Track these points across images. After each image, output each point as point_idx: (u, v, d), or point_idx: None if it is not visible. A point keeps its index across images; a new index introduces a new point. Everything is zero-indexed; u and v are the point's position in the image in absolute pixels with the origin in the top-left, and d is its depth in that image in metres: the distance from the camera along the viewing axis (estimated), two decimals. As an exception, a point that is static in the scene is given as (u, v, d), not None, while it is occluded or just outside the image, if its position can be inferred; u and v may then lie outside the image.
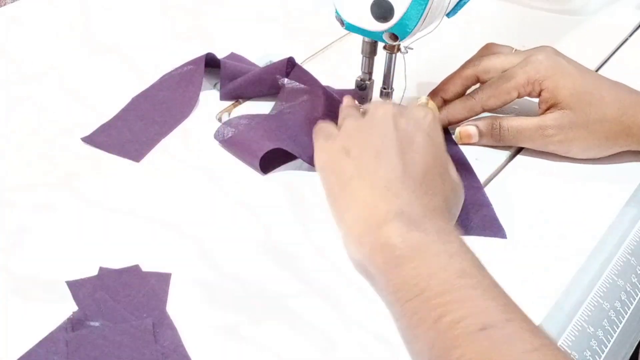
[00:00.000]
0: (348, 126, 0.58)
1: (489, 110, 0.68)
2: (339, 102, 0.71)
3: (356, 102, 0.67)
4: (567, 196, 0.64)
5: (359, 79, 0.69)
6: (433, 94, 0.71)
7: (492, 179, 0.66)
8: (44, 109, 0.73)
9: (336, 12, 0.64)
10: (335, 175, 0.56)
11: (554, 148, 0.66)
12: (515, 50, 0.70)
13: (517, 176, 0.66)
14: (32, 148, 0.68)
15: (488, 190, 0.64)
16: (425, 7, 0.60)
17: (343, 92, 0.74)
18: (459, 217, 0.59)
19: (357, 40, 0.68)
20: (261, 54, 0.82)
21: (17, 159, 0.67)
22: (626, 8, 0.94)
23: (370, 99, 0.70)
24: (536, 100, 0.67)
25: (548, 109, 0.66)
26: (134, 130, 0.70)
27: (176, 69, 0.76)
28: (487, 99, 0.67)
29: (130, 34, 0.83)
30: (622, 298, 0.55)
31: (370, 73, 0.69)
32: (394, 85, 0.70)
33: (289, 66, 0.74)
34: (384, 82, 0.70)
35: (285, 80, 0.74)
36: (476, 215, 0.61)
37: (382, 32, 0.63)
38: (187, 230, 0.59)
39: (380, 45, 0.67)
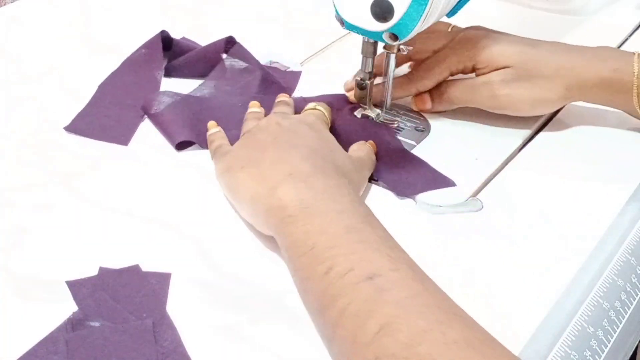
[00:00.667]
0: (239, 140, 0.64)
1: (424, 91, 0.70)
2: (278, 86, 0.74)
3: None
4: (567, 196, 0.64)
5: (359, 79, 0.69)
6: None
7: (492, 178, 0.66)
8: (44, 109, 0.73)
9: (336, 12, 0.64)
10: (228, 173, 0.60)
11: (502, 104, 0.68)
12: (452, 27, 0.72)
13: (517, 176, 0.66)
14: (32, 148, 0.68)
15: (488, 190, 0.64)
16: (425, 7, 0.60)
17: (286, 79, 0.77)
18: (405, 181, 0.64)
19: (357, 40, 0.68)
20: (261, 54, 0.82)
21: (17, 159, 0.67)
22: (626, 8, 0.94)
23: (370, 99, 0.70)
24: None
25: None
26: (111, 115, 0.71)
27: (134, 53, 0.78)
28: (420, 80, 0.69)
29: (130, 34, 0.83)
30: (622, 298, 0.55)
31: (370, 73, 0.69)
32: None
33: (229, 44, 0.78)
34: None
35: (227, 59, 0.77)
36: (418, 175, 0.65)
37: (382, 32, 0.63)
38: (187, 230, 0.59)
39: (380, 45, 0.67)
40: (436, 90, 0.70)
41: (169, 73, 0.77)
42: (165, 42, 0.79)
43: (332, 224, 0.51)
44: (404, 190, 0.64)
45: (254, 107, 0.69)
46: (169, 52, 0.79)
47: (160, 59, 0.77)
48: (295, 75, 0.78)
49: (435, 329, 0.43)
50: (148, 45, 0.78)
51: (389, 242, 0.50)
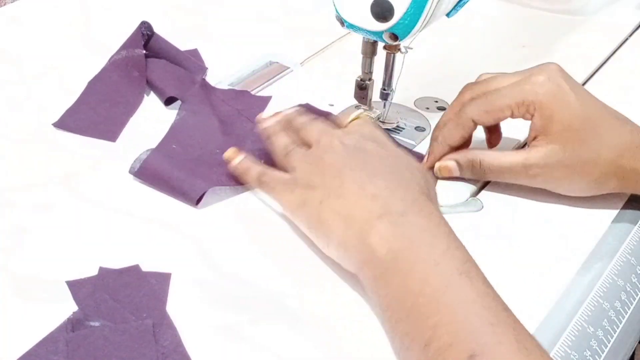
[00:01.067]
0: (300, 164, 0.58)
1: (481, 124, 0.63)
2: (244, 118, 0.72)
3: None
4: (567, 196, 0.63)
5: (359, 79, 0.69)
6: (437, 146, 0.64)
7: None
8: (44, 109, 0.73)
9: (336, 12, 0.64)
10: (306, 208, 0.56)
11: (539, 185, 0.61)
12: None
13: (517, 176, 0.66)
14: (32, 148, 0.68)
15: (489, 189, 0.64)
16: (425, 7, 0.60)
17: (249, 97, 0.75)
18: None
19: (357, 40, 0.68)
20: (261, 53, 0.83)
21: (17, 159, 0.66)
22: (626, 8, 0.94)
23: (370, 99, 0.70)
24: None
25: (536, 137, 0.60)
26: (100, 112, 0.72)
27: (119, 50, 0.78)
28: (479, 114, 0.61)
29: (130, 34, 0.83)
30: (622, 298, 0.55)
31: (370, 73, 0.69)
32: (394, 86, 0.70)
33: (145, 35, 0.77)
34: (384, 83, 0.70)
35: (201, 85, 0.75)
36: None
37: (382, 32, 0.63)
38: (187, 230, 0.59)
39: (381, 45, 0.67)
40: (468, 163, 0.62)
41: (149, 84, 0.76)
42: (147, 33, 0.79)
43: (429, 280, 0.47)
44: None
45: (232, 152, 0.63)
46: (147, 46, 0.79)
47: (141, 58, 0.77)
48: (264, 101, 0.75)
49: None
50: (130, 44, 0.78)
51: (488, 297, 0.46)
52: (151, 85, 0.76)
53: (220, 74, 0.78)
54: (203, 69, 0.79)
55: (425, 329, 0.45)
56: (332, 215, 0.54)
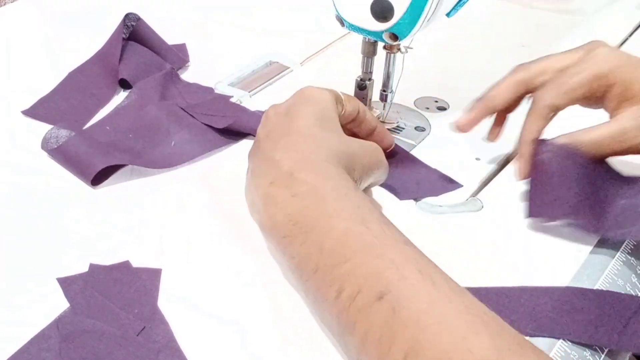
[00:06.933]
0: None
1: (556, 111, 0.60)
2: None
3: None
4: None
5: (359, 79, 0.69)
6: (481, 105, 0.63)
7: (492, 178, 0.66)
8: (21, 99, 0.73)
9: (336, 12, 0.64)
10: (245, 182, 0.56)
11: (632, 151, 0.60)
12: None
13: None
14: (26, 145, 0.68)
15: (488, 190, 0.64)
16: (425, 7, 0.60)
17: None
18: (410, 185, 0.63)
19: (357, 40, 0.68)
20: (261, 53, 0.83)
21: (12, 156, 0.67)
22: (626, 8, 0.94)
23: (370, 99, 0.70)
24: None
25: (619, 106, 0.59)
26: (72, 102, 0.73)
27: (105, 44, 0.78)
28: (553, 99, 0.59)
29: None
30: (622, 298, 0.55)
31: (370, 73, 0.69)
32: (394, 86, 0.70)
33: (130, 26, 0.78)
34: (384, 83, 0.70)
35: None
36: (423, 180, 0.64)
37: (382, 32, 0.63)
38: (177, 226, 0.59)
39: (380, 45, 0.67)
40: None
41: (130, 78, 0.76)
42: (131, 24, 0.79)
43: (327, 235, 0.47)
44: (407, 194, 0.63)
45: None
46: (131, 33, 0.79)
47: (119, 51, 0.77)
48: (224, 99, 0.74)
49: (461, 348, 0.41)
50: (113, 37, 0.78)
51: (387, 238, 0.47)
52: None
53: (221, 74, 0.79)
54: (182, 62, 0.79)
55: (333, 281, 0.46)
56: (249, 182, 0.54)
